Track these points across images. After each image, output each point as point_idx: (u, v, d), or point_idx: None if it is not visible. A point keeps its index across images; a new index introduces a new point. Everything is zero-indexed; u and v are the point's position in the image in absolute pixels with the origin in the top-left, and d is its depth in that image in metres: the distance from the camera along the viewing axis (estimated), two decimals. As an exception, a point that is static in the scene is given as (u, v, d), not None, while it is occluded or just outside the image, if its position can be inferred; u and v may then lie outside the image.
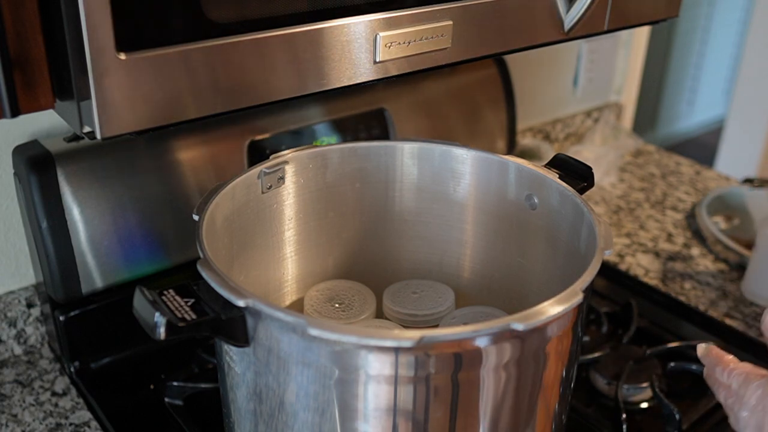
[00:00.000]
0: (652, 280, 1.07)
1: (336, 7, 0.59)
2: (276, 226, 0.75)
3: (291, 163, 0.73)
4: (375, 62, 0.62)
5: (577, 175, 0.71)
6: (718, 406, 0.84)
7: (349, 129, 0.97)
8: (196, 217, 0.62)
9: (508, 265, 0.77)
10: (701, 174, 1.40)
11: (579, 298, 0.54)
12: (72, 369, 0.86)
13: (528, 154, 1.29)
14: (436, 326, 0.76)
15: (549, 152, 1.29)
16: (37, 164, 0.78)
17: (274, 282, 0.77)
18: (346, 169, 0.77)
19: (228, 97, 0.56)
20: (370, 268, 0.82)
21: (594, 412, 0.83)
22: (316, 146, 0.75)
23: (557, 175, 0.70)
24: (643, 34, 1.52)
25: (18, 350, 0.90)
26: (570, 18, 0.73)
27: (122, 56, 0.49)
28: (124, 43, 0.49)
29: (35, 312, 0.90)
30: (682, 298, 1.03)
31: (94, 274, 0.82)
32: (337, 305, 0.77)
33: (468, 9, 0.66)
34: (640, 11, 0.82)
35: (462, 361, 0.53)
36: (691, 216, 1.25)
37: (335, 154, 0.76)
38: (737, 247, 1.12)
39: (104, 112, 0.50)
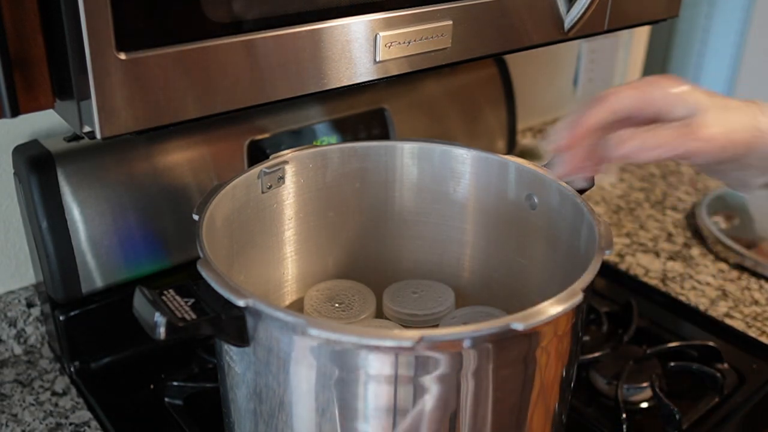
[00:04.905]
0: (652, 280, 1.07)
1: (336, 7, 0.59)
2: (276, 226, 0.75)
3: (291, 163, 0.73)
4: (375, 62, 0.62)
5: (577, 175, 0.71)
6: (718, 406, 0.84)
7: (349, 129, 0.97)
8: (196, 217, 0.62)
9: (508, 265, 0.77)
10: (701, 174, 1.40)
11: (579, 298, 0.54)
12: (72, 369, 0.86)
13: (528, 154, 1.29)
14: (436, 326, 0.76)
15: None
16: (37, 164, 0.78)
17: (274, 282, 0.77)
18: (346, 169, 0.77)
19: (228, 97, 0.56)
20: (370, 268, 0.82)
21: (594, 412, 0.82)
22: (316, 146, 0.75)
23: (557, 175, 0.70)
24: (643, 34, 1.52)
25: (18, 350, 0.90)
26: (570, 18, 0.73)
27: (122, 56, 0.49)
28: (124, 43, 0.49)
29: (35, 312, 0.90)
30: (682, 298, 1.03)
31: (94, 274, 0.82)
32: (337, 305, 0.77)
33: (468, 9, 0.66)
34: (640, 11, 0.82)
35: (462, 361, 0.53)
36: (691, 216, 1.25)
37: (335, 154, 0.76)
38: (737, 247, 1.12)
39: (104, 112, 0.50)
